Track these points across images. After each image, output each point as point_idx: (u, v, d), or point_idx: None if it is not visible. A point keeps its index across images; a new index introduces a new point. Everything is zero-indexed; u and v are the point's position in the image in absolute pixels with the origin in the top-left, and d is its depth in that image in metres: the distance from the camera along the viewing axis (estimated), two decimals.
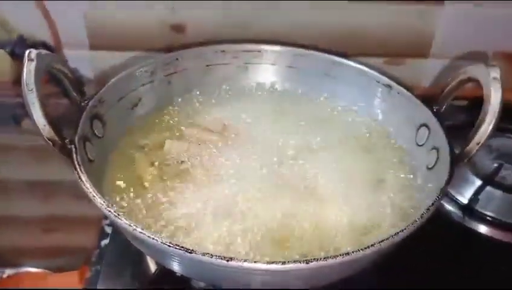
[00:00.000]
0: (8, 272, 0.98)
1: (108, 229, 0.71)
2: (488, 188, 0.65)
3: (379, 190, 0.55)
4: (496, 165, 0.66)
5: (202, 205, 0.52)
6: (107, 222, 0.72)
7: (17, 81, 0.75)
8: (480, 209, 0.64)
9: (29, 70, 0.46)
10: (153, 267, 0.57)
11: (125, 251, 0.61)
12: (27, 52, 0.47)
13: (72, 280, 0.91)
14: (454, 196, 0.66)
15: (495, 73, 0.49)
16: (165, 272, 0.54)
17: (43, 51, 0.48)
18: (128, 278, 0.58)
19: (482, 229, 0.64)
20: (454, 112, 0.68)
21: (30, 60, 0.46)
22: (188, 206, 0.52)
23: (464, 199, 0.65)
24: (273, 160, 0.57)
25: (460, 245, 0.63)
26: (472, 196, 0.65)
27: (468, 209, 0.64)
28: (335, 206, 0.52)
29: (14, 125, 0.81)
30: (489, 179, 0.65)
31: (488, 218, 0.64)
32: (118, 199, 0.52)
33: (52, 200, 0.92)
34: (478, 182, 0.65)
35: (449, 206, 0.66)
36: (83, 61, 0.74)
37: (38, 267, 0.99)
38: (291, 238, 0.49)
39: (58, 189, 0.90)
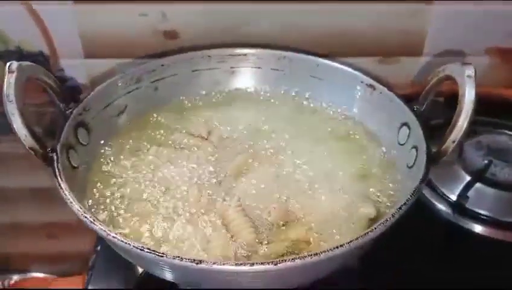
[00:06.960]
0: (15, 278, 1.00)
1: None
2: (478, 184, 0.65)
3: (362, 187, 0.55)
4: (485, 161, 0.66)
5: (185, 212, 0.53)
6: None
7: None
8: (469, 206, 0.64)
9: (9, 81, 0.47)
10: (140, 269, 0.58)
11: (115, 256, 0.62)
12: (8, 64, 0.48)
13: (76, 284, 0.92)
14: (443, 193, 0.66)
15: (469, 71, 0.49)
16: (150, 275, 0.55)
17: (25, 63, 0.50)
18: (116, 282, 0.60)
19: (471, 226, 0.63)
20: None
21: (11, 72, 0.48)
22: (171, 213, 0.52)
23: (453, 196, 0.65)
24: (258, 163, 0.58)
25: (449, 242, 0.63)
26: (461, 192, 0.64)
27: (458, 206, 0.64)
28: (317, 202, 0.53)
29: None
30: (479, 176, 0.65)
31: (477, 215, 0.63)
32: (99, 205, 0.53)
33: (56, 206, 0.94)
34: (468, 179, 0.65)
35: (438, 204, 0.65)
36: (79, 69, 0.76)
37: (43, 273, 1.01)
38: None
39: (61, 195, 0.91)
